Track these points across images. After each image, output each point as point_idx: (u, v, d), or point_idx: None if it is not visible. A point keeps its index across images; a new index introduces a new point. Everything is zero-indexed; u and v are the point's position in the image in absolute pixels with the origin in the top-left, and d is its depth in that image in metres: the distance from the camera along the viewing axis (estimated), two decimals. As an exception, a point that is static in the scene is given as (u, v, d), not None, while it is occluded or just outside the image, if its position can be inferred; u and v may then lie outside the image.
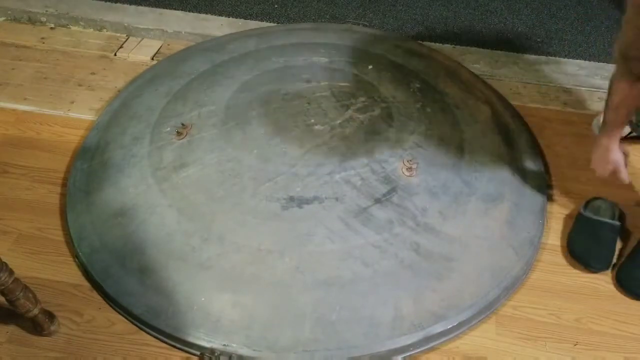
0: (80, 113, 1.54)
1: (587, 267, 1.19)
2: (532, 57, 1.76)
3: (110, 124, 1.44)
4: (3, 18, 1.88)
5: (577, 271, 1.20)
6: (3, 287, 0.95)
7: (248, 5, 1.93)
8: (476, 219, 1.20)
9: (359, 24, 1.82)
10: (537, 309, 1.13)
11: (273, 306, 1.07)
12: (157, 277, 1.10)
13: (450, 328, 1.06)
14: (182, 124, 1.32)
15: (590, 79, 1.69)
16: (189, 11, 1.90)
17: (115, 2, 1.90)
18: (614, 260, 1.20)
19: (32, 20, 1.86)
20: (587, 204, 1.27)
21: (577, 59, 1.76)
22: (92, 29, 1.84)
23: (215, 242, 1.12)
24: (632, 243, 1.23)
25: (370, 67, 1.49)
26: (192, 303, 1.07)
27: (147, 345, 1.07)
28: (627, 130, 1.37)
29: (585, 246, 1.20)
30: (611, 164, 1.14)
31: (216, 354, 1.02)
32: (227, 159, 1.24)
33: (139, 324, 1.09)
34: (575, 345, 1.08)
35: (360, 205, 1.16)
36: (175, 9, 1.90)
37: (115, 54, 1.75)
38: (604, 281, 1.18)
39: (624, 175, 1.14)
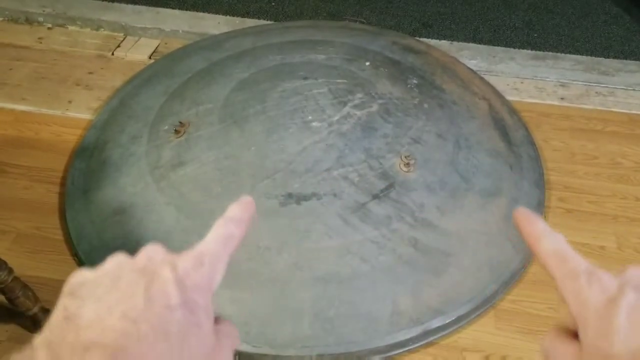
0: (78, 112, 1.54)
1: None
2: (529, 52, 1.76)
3: (108, 123, 1.44)
4: (0, 18, 1.88)
5: (575, 265, 1.20)
6: (3, 286, 0.95)
7: (245, 3, 1.94)
8: (474, 214, 1.20)
9: (356, 21, 1.82)
10: (536, 303, 1.14)
11: (272, 302, 1.07)
12: (156, 274, 1.10)
13: (448, 323, 1.07)
14: (180, 122, 1.32)
15: (587, 73, 1.69)
16: (186, 10, 1.90)
17: (113, 2, 1.90)
18: None
19: (29, 21, 1.86)
20: None
21: (574, 54, 1.76)
22: (89, 29, 1.85)
23: (213, 239, 1.12)
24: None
25: (367, 63, 1.49)
26: (191, 300, 1.07)
27: (147, 343, 1.07)
28: None
29: None
30: None
31: (215, 351, 1.02)
32: (225, 156, 1.24)
33: (138, 322, 1.09)
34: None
35: (358, 201, 1.16)
36: (172, 8, 1.90)
37: (112, 54, 1.75)
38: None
39: None
